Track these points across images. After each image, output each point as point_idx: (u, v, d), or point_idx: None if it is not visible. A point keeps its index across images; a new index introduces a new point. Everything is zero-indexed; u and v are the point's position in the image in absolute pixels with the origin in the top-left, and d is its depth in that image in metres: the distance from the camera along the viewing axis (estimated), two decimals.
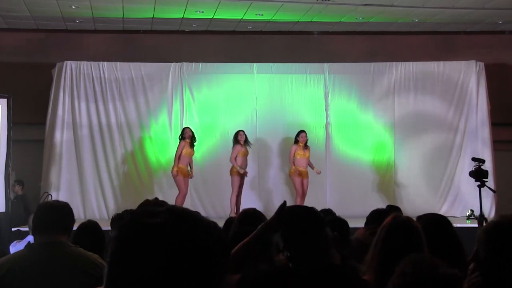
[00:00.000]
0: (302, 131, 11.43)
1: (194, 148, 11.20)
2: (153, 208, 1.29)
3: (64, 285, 3.11)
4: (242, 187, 11.31)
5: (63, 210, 3.36)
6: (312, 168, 11.45)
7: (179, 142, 11.12)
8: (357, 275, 2.68)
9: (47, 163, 11.99)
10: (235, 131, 11.42)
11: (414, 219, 3.51)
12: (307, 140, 11.35)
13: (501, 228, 2.29)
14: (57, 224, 3.27)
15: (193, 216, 1.29)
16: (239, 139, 11.24)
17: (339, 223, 4.19)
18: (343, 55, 13.22)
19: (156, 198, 1.34)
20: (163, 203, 1.36)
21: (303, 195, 11.20)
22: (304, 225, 2.63)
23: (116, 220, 4.82)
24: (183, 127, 11.60)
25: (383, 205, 5.29)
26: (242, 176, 11.21)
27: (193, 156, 11.24)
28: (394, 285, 2.08)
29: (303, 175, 11.25)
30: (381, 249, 2.91)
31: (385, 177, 12.60)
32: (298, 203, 10.58)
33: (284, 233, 2.68)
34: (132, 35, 13.29)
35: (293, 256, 2.60)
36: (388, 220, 3.01)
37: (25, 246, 3.43)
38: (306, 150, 11.33)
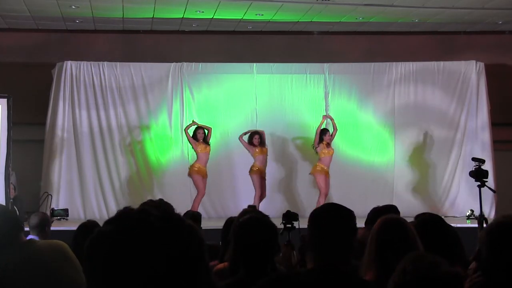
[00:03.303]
0: (327, 130, 11.42)
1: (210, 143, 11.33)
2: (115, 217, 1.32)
3: (69, 278, 3.11)
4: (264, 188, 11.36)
5: (9, 214, 3.24)
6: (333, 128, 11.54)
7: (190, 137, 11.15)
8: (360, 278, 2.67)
9: (47, 163, 11.99)
10: (251, 133, 11.42)
11: (413, 219, 3.52)
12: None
13: (503, 228, 2.29)
14: (15, 232, 3.14)
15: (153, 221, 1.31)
16: (254, 142, 11.26)
17: None
18: (343, 55, 13.21)
19: (161, 200, 1.34)
20: (167, 204, 1.36)
21: (326, 194, 11.23)
22: (338, 227, 2.61)
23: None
24: (195, 127, 11.48)
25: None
26: (263, 176, 11.25)
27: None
28: (395, 283, 2.08)
29: (326, 173, 11.27)
30: (375, 249, 2.93)
31: (385, 177, 12.59)
32: (322, 203, 10.53)
33: (312, 232, 2.64)
34: (132, 35, 13.28)
35: (316, 257, 2.56)
36: (377, 223, 3.05)
37: None
38: (329, 149, 11.33)
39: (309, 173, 11.57)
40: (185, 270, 1.27)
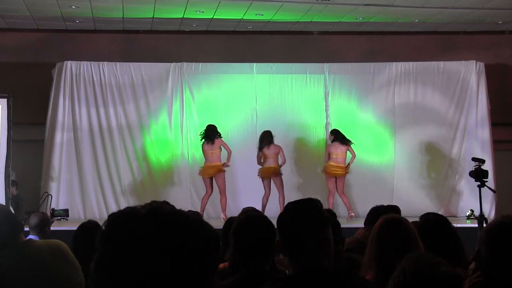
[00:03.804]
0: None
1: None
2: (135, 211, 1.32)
3: (68, 278, 3.11)
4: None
5: (8, 215, 3.24)
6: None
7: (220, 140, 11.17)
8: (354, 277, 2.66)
9: (47, 163, 11.99)
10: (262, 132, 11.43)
11: (417, 219, 3.52)
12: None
13: (503, 228, 2.29)
14: (14, 232, 3.14)
15: (176, 218, 1.30)
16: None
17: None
18: (343, 55, 13.21)
19: (165, 202, 1.34)
20: (173, 206, 1.37)
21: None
22: (304, 222, 2.53)
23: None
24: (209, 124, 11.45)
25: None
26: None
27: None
28: (395, 283, 2.08)
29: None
30: (376, 249, 2.92)
31: (385, 177, 12.59)
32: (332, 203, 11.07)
33: (283, 232, 2.61)
34: (132, 35, 13.28)
35: (291, 258, 2.54)
36: (377, 223, 3.04)
37: None
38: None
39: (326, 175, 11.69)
40: (192, 269, 1.27)
